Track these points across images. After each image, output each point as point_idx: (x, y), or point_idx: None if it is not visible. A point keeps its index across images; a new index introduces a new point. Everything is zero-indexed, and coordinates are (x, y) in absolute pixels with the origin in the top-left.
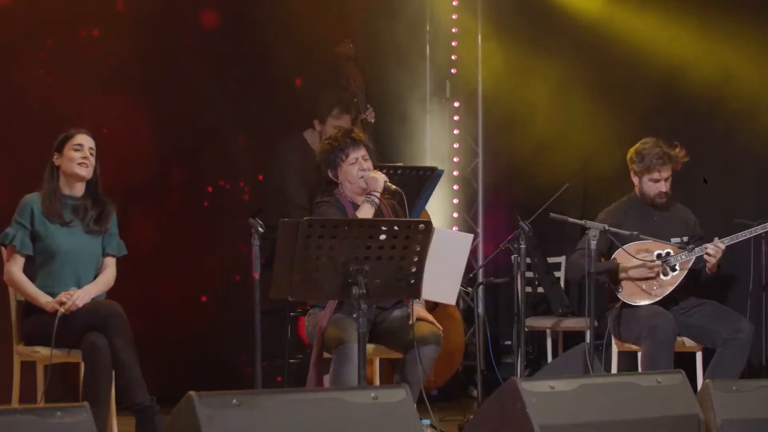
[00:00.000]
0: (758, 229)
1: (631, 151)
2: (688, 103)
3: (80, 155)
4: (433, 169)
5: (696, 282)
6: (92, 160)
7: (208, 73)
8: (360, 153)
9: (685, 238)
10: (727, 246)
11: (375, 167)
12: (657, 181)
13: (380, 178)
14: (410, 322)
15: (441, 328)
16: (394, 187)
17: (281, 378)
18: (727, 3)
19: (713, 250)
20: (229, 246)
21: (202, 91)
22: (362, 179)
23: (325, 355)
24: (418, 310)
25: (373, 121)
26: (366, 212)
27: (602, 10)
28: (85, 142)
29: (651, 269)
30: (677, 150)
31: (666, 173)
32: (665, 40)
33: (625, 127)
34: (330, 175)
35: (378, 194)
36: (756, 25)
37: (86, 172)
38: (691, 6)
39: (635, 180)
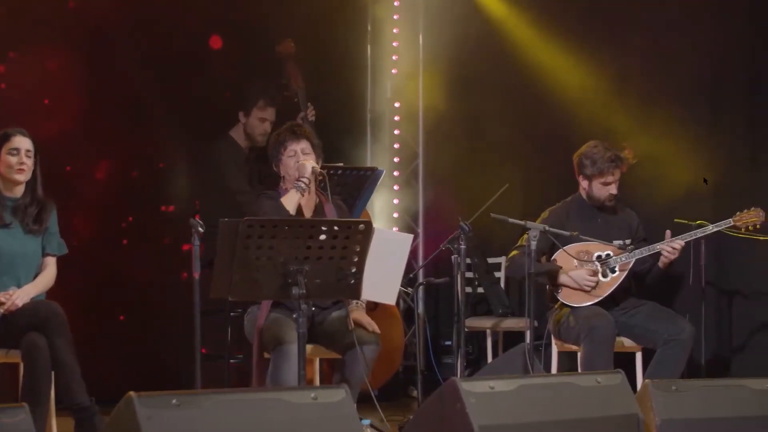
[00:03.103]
0: (698, 233)
1: (579, 154)
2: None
3: (17, 160)
4: (373, 170)
5: (638, 283)
6: (30, 162)
7: (145, 69)
8: (299, 146)
9: (628, 241)
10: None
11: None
12: (608, 184)
13: (308, 165)
14: (350, 328)
15: (378, 331)
16: (319, 169)
17: (221, 378)
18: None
19: (671, 249)
20: (168, 245)
21: (138, 89)
22: (296, 171)
23: (265, 355)
24: (356, 313)
25: (313, 119)
26: (291, 198)
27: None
28: (22, 145)
29: (590, 278)
30: (626, 152)
31: (617, 176)
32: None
33: (564, 129)
34: (275, 168)
35: (306, 180)
36: None
37: (24, 177)
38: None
39: (583, 183)
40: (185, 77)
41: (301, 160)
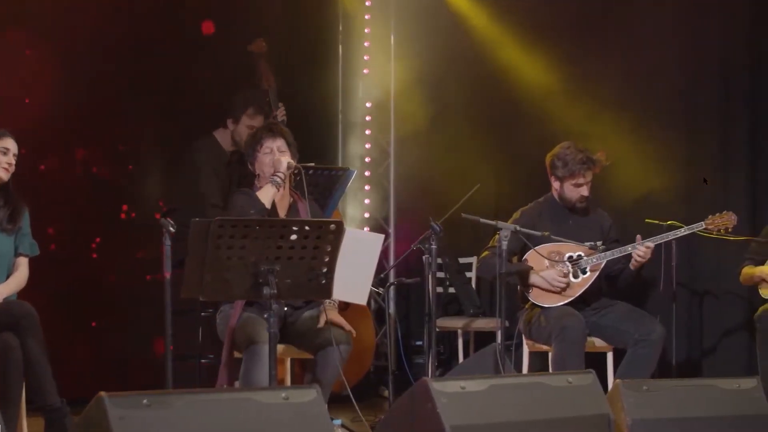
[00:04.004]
0: (670, 235)
1: (551, 155)
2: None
3: (6, 160)
4: (344, 170)
5: (611, 284)
6: (13, 165)
7: (120, 65)
8: (276, 144)
9: (599, 242)
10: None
11: None
12: (580, 185)
13: (284, 160)
14: (319, 325)
15: (353, 331)
16: (294, 164)
17: (193, 378)
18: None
19: (643, 251)
20: (140, 246)
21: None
22: (272, 167)
23: (236, 354)
24: (330, 313)
25: (284, 119)
26: (266, 192)
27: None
28: (12, 147)
29: (561, 279)
30: (599, 154)
31: (589, 177)
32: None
33: (537, 129)
34: (250, 166)
35: (282, 175)
36: None
37: (7, 176)
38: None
39: (555, 184)
40: (166, 73)
41: (277, 156)
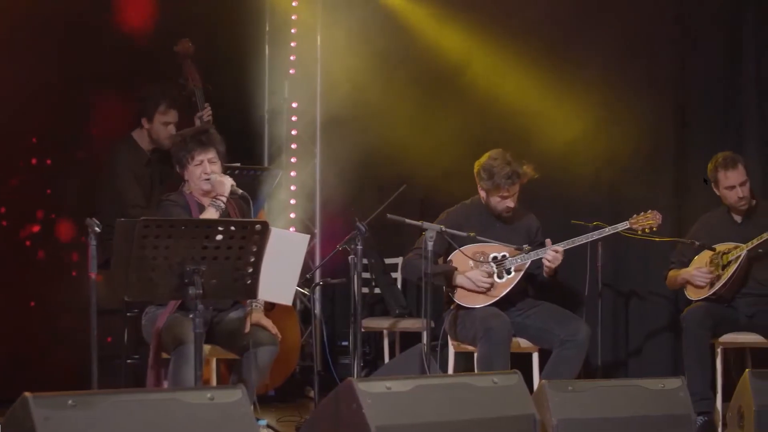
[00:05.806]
0: (594, 235)
1: (479, 164)
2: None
3: None
4: (270, 170)
5: (533, 284)
6: None
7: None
8: (207, 155)
9: (526, 246)
10: (564, 249)
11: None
12: (505, 198)
13: (227, 182)
14: (245, 330)
15: (279, 335)
16: (240, 191)
17: (119, 378)
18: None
19: (551, 256)
20: (64, 245)
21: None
22: (207, 181)
23: (164, 355)
24: (255, 315)
25: (210, 119)
26: (210, 216)
27: (431, 23)
28: None
29: (486, 280)
30: (525, 167)
31: (514, 190)
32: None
33: (462, 130)
34: (179, 171)
35: (224, 198)
36: None
37: None
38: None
39: (482, 193)
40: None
41: (210, 171)
